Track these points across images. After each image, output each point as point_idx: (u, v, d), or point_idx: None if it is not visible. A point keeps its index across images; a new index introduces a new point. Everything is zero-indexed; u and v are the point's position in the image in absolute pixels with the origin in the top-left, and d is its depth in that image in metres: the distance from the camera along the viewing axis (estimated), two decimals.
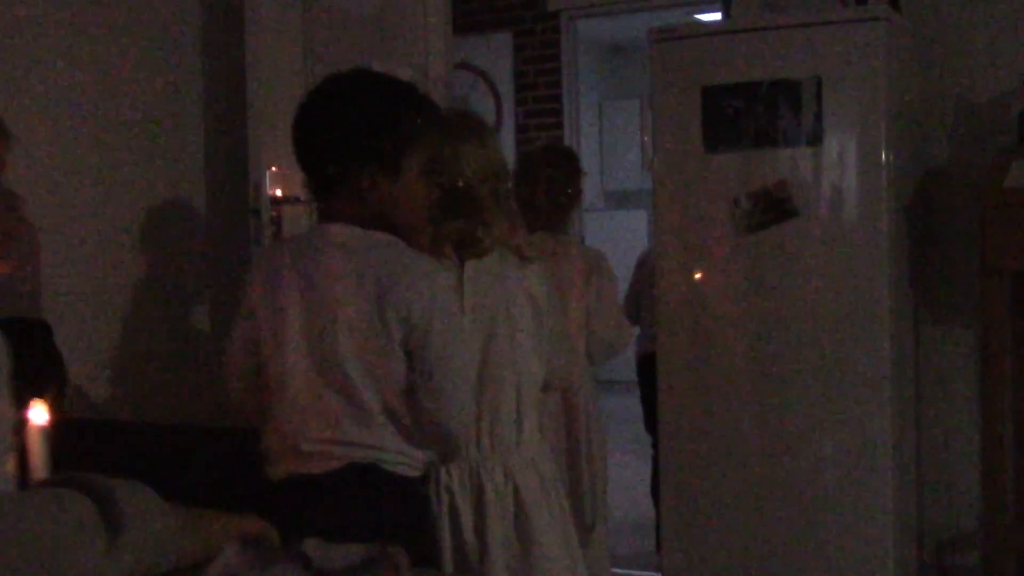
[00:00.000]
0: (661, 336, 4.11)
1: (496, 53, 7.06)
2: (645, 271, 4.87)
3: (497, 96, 7.12)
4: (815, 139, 3.84)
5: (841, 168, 3.85)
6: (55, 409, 1.70)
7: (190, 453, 2.03)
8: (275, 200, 3.28)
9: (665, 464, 4.11)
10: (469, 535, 2.54)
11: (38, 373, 2.00)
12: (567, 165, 4.01)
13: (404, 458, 2.34)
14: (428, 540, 2.43)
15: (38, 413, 1.71)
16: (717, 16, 4.93)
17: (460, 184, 2.52)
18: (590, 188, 7.56)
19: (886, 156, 3.79)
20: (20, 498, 1.25)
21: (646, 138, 4.01)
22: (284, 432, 2.35)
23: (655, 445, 4.37)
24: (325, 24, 3.51)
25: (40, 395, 1.70)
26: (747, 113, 3.89)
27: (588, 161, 7.46)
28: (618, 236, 8.41)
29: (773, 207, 3.86)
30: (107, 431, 2.65)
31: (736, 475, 3.95)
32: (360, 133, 2.31)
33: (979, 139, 4.17)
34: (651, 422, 4.54)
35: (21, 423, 1.61)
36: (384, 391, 2.28)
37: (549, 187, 3.86)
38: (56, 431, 1.82)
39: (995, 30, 4.17)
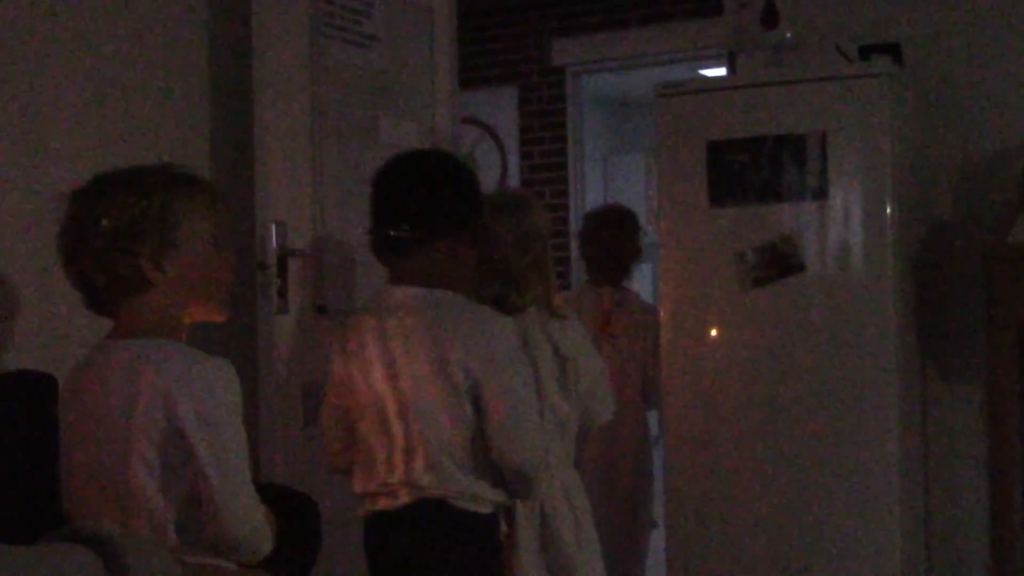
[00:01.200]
0: (666, 390, 4.10)
1: (502, 108, 7.09)
2: None
3: (502, 150, 7.15)
4: (820, 193, 3.84)
5: (846, 222, 3.85)
6: None
7: None
8: (281, 253, 3.28)
9: (670, 519, 4.08)
10: (571, 546, 2.84)
11: None
12: (624, 225, 4.57)
13: (473, 497, 2.60)
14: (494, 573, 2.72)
15: None
16: (722, 71, 4.96)
17: (497, 256, 2.84)
18: None
19: (891, 210, 3.80)
20: (25, 552, 1.25)
21: (652, 192, 4.04)
22: (360, 479, 2.66)
23: None
24: (332, 78, 3.53)
25: None
26: (752, 168, 3.91)
27: None
28: None
29: (779, 261, 3.86)
30: None
31: (743, 530, 3.92)
32: (462, 205, 2.69)
33: (984, 193, 4.18)
34: None
35: None
36: (452, 436, 2.56)
37: (609, 247, 4.50)
38: None
39: (999, 84, 4.19)
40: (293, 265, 3.29)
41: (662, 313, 4.13)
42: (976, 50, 4.23)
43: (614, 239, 4.49)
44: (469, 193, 2.71)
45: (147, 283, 2.05)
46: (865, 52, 4.08)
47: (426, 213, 2.63)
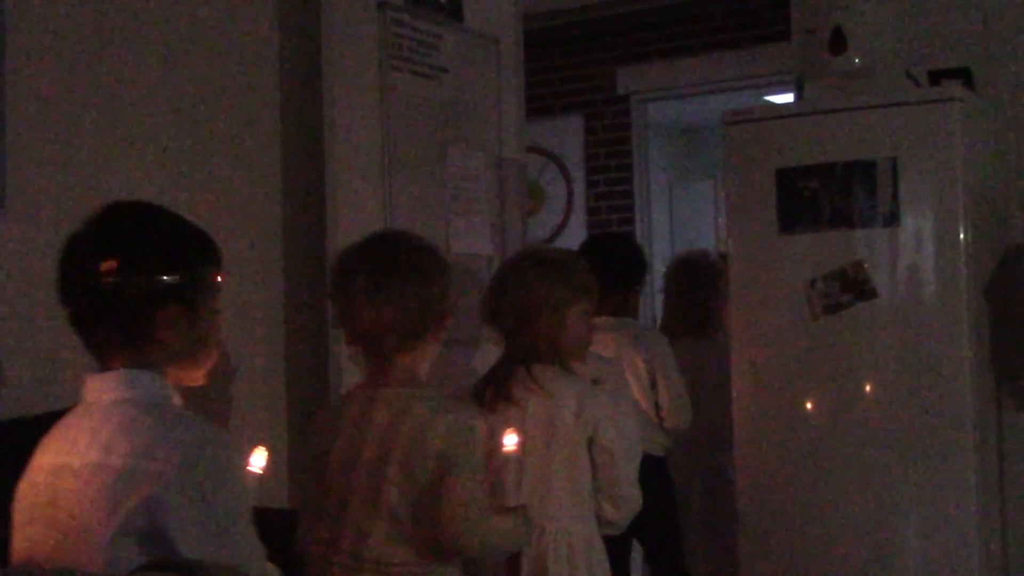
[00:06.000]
0: (737, 419, 4.07)
1: (567, 136, 7.11)
2: None
3: (568, 179, 7.16)
4: (892, 220, 3.81)
5: (919, 248, 3.82)
6: None
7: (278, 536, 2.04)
8: None
9: (743, 551, 4.05)
10: None
11: None
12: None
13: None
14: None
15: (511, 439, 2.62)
16: (789, 98, 4.94)
17: None
18: (662, 269, 7.55)
19: (964, 236, 3.75)
20: None
21: (720, 219, 4.04)
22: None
23: None
24: (402, 109, 3.56)
25: None
26: (822, 194, 3.88)
27: (660, 242, 7.46)
28: None
29: (851, 288, 3.83)
30: None
31: (815, 561, 3.88)
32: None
33: None
34: None
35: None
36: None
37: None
38: None
39: None
40: None
41: (733, 343, 4.11)
42: None
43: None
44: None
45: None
46: (935, 77, 4.05)
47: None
